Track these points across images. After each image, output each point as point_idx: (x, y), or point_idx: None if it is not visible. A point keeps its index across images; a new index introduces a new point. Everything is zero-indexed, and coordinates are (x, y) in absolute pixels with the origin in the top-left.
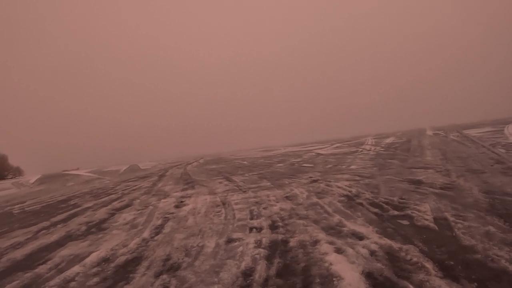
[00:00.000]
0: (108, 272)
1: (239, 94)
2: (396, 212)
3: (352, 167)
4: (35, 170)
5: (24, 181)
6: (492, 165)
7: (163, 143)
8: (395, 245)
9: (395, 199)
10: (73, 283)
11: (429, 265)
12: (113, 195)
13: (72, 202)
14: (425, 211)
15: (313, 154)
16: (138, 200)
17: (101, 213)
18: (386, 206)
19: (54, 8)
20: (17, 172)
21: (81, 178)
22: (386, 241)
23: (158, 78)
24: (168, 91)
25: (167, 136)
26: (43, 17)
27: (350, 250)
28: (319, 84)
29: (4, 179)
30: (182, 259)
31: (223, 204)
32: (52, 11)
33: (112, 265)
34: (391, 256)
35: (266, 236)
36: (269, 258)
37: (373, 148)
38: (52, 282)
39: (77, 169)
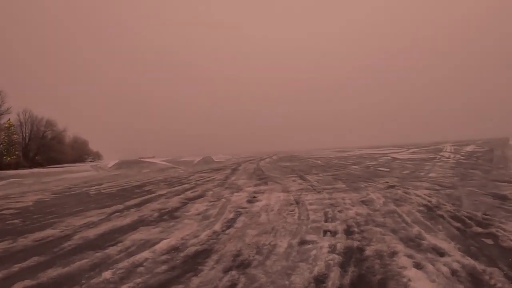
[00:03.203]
0: (177, 262)
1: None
2: (479, 229)
3: (431, 175)
4: (112, 156)
5: (103, 165)
6: None
7: (236, 139)
8: (479, 266)
9: (479, 214)
10: (141, 268)
11: None
12: (186, 185)
13: (146, 188)
14: (511, 231)
15: (389, 158)
16: (211, 192)
17: (174, 202)
18: (469, 221)
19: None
20: (97, 156)
21: (156, 166)
22: (469, 261)
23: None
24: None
25: (240, 132)
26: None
27: (430, 267)
28: (400, 90)
29: (84, 162)
30: (253, 256)
31: (297, 203)
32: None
33: (182, 254)
34: (474, 278)
35: (341, 241)
36: (343, 266)
37: (452, 155)
38: (120, 265)
39: (153, 157)
